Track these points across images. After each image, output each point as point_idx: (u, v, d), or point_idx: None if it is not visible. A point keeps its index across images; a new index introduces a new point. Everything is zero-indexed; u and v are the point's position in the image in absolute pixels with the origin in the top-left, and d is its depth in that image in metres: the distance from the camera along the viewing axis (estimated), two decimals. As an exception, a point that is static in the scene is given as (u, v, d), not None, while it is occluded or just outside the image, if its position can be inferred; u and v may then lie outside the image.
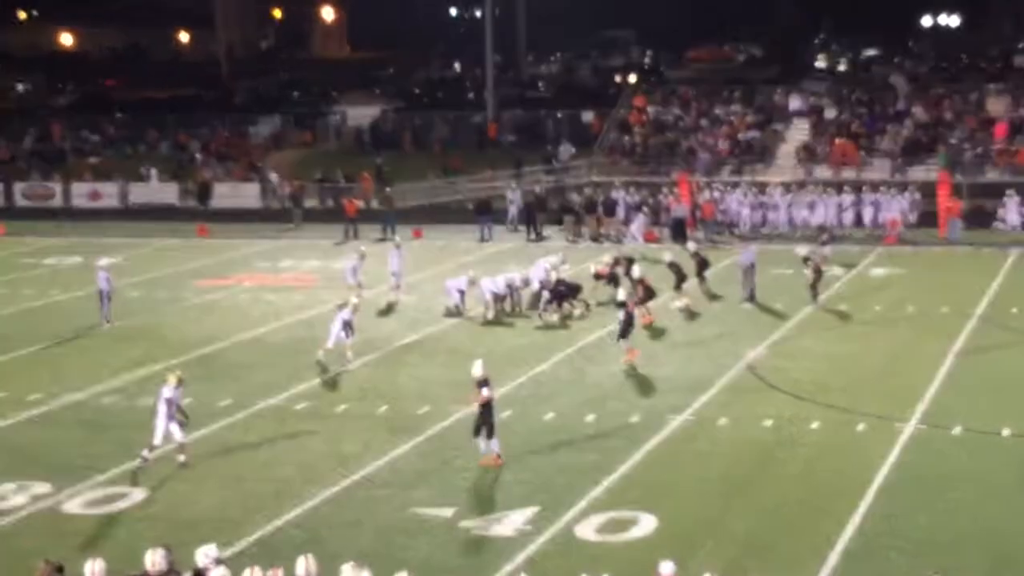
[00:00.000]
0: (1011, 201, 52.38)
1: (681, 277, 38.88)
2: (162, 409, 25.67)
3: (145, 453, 25.78)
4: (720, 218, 53.34)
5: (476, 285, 39.02)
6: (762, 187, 55.09)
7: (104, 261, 40.46)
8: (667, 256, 39.94)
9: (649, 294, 37.27)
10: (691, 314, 38.33)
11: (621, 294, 33.86)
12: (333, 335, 33.21)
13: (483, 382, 25.32)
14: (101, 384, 32.18)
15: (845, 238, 50.82)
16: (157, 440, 25.76)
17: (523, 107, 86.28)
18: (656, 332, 36.38)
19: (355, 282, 41.08)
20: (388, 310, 40.27)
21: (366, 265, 42.20)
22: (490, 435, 25.38)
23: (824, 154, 60.47)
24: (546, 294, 38.26)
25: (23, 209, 64.70)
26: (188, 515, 23.29)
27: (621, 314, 32.70)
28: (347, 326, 33.10)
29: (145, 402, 30.30)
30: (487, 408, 25.34)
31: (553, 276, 38.73)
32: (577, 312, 38.20)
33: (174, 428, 25.77)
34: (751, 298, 39.71)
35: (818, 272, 38.94)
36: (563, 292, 38.28)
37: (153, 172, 67.22)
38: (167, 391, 25.71)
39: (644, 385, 31.03)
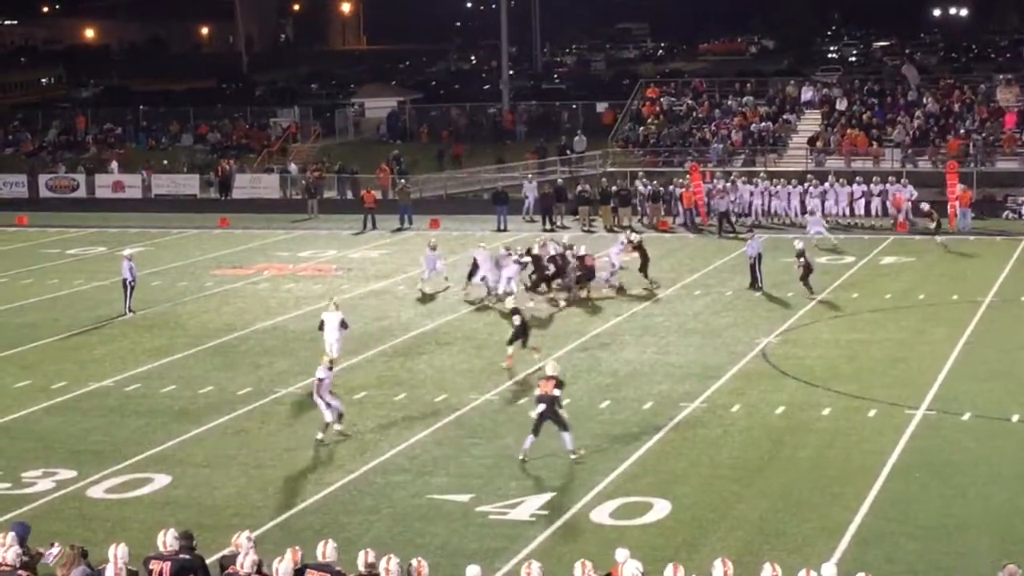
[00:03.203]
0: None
1: (542, 277, 39.70)
2: (316, 387, 26.90)
3: (319, 436, 26.84)
4: (732, 207, 53.50)
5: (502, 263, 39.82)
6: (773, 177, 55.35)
7: (129, 251, 40.84)
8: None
9: (589, 274, 38.87)
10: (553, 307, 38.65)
11: (510, 302, 33.56)
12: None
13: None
14: (124, 372, 32.66)
15: (855, 227, 51.21)
16: (328, 418, 26.82)
17: (538, 99, 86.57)
18: (668, 321, 36.70)
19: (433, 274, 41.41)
20: (425, 300, 40.65)
21: (390, 254, 42.58)
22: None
23: (836, 145, 60.73)
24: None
25: (47, 200, 65.20)
26: (210, 500, 23.74)
27: (516, 319, 31.92)
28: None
29: (167, 389, 30.88)
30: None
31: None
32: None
33: (323, 410, 26.87)
34: (759, 287, 40.04)
35: (808, 267, 39.33)
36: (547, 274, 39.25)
37: (115, 165, 68.45)
38: (320, 372, 26.87)
39: (657, 373, 31.36)
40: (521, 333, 31.80)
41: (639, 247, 40.66)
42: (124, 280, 39.05)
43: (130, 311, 38.83)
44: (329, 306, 32.88)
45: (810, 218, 48.94)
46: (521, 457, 25.29)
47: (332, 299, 34.18)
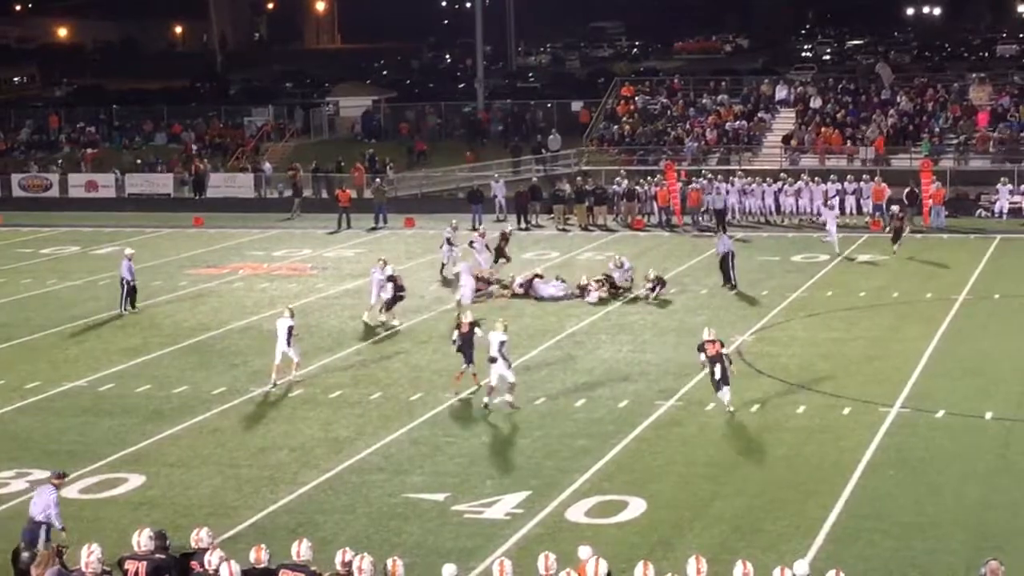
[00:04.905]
0: (1004, 188, 52.81)
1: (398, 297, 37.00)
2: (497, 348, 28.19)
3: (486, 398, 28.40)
4: (707, 206, 53.51)
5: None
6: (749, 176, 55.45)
7: (130, 250, 40.43)
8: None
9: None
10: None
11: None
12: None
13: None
14: (98, 372, 32.54)
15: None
16: (493, 381, 28.39)
17: (513, 97, 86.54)
18: (644, 319, 36.72)
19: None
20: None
21: (365, 253, 42.41)
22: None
23: (810, 143, 60.92)
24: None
25: (20, 199, 64.88)
26: (184, 500, 23.68)
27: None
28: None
29: (142, 389, 30.78)
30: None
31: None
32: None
33: (504, 371, 28.16)
34: (732, 285, 40.07)
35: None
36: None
37: (60, 163, 68.79)
38: (495, 336, 28.07)
39: (633, 371, 31.37)
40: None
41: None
42: (122, 279, 38.84)
43: (133, 309, 38.78)
44: (284, 312, 31.56)
45: (828, 212, 48.07)
46: (731, 409, 27.36)
47: (288, 306, 33.12)
